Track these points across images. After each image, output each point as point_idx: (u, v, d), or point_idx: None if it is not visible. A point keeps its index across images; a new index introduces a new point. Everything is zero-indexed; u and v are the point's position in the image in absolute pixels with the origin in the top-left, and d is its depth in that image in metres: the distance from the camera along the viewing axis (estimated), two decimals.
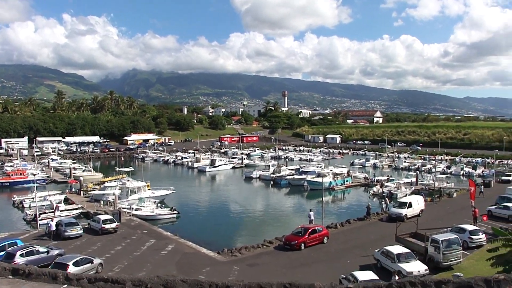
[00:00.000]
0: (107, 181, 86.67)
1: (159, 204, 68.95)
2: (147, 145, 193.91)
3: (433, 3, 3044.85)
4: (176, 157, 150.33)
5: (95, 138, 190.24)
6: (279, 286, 8.04)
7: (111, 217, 52.52)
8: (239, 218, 69.08)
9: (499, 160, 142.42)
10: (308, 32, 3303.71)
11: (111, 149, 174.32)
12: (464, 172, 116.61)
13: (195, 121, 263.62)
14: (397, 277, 33.27)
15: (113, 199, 66.25)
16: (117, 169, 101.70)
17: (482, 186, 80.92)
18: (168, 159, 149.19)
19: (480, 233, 46.20)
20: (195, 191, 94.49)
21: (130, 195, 70.96)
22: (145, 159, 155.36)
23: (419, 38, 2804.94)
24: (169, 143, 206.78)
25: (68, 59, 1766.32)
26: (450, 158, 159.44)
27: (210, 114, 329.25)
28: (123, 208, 62.76)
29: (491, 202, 67.01)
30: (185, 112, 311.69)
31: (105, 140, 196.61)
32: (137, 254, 42.49)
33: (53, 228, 48.00)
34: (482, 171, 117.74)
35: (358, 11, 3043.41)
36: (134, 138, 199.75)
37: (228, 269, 38.46)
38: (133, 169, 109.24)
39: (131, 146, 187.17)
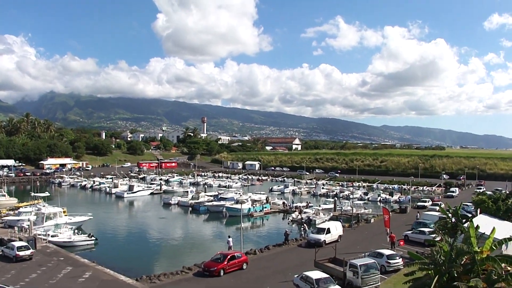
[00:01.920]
0: (22, 207, 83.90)
1: (76, 231, 67.27)
2: (64, 169, 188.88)
3: (352, 34, 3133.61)
4: (94, 182, 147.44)
5: (10, 162, 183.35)
6: None
7: (26, 243, 50.96)
8: (158, 244, 68.67)
9: (415, 187, 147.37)
10: (228, 59, 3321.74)
11: (27, 173, 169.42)
12: (381, 198, 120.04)
13: (114, 146, 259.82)
14: None
15: (28, 225, 64.17)
16: (33, 194, 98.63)
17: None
18: (85, 184, 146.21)
19: (397, 258, 47.78)
20: (113, 217, 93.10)
21: (45, 221, 68.88)
22: (62, 184, 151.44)
23: (338, 68, 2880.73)
24: (86, 168, 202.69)
25: None
26: (368, 184, 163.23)
27: (129, 139, 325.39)
28: (39, 235, 61.02)
29: (407, 228, 69.56)
30: (104, 137, 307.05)
31: (20, 164, 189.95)
32: (53, 282, 41.43)
33: None
34: (399, 197, 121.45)
35: (279, 39, 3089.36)
36: (50, 162, 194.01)
37: None
38: (49, 194, 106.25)
39: (47, 171, 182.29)
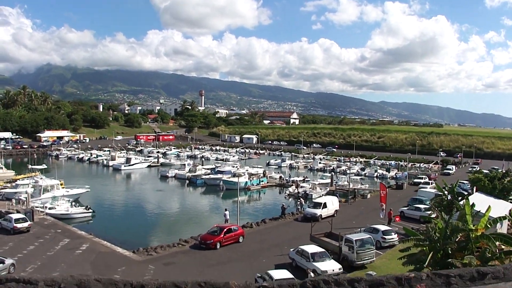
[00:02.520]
0: (19, 179, 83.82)
1: (73, 203, 67.53)
2: (61, 142, 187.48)
3: (352, 8, 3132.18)
4: (91, 155, 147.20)
5: (7, 134, 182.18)
6: (194, 285, 8.44)
7: (23, 216, 51.10)
8: (155, 217, 68.98)
9: (412, 163, 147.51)
10: (227, 32, 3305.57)
11: (24, 146, 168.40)
12: (378, 174, 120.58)
13: (111, 119, 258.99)
14: (312, 274, 34.50)
15: (26, 198, 64.36)
16: (30, 166, 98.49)
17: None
18: (82, 157, 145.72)
19: (393, 233, 48.13)
20: (110, 190, 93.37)
21: (43, 194, 69.13)
22: (59, 156, 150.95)
23: (337, 42, 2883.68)
24: (84, 141, 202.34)
25: None
26: (365, 160, 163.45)
27: (126, 111, 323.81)
28: (36, 207, 61.15)
29: (403, 204, 69.86)
30: (101, 109, 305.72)
31: (17, 136, 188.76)
32: (50, 254, 41.75)
33: None
34: (396, 173, 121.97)
35: (278, 13, 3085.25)
36: (48, 135, 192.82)
37: (144, 268, 38.56)
38: (46, 166, 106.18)
39: (44, 143, 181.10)
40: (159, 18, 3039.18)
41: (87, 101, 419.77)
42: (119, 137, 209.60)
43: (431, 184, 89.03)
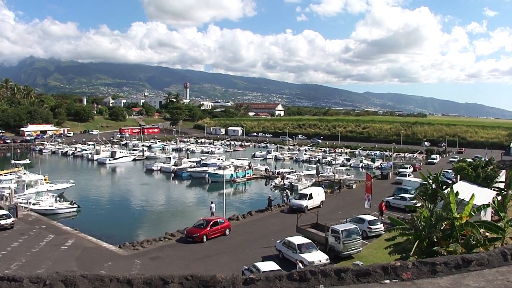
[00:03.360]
0: (2, 174, 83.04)
1: (58, 198, 67.17)
2: (45, 136, 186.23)
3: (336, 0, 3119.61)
4: (76, 149, 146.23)
5: None
6: (181, 278, 8.40)
7: (6, 212, 50.72)
8: (141, 211, 68.69)
9: (397, 153, 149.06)
10: (211, 23, 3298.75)
11: (7, 141, 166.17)
12: (363, 165, 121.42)
13: (95, 112, 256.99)
14: (301, 265, 34.57)
15: (9, 193, 63.94)
16: (13, 161, 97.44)
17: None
18: (67, 151, 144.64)
19: (378, 223, 48.56)
20: (95, 184, 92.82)
21: (26, 189, 68.48)
22: (43, 151, 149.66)
23: (321, 34, 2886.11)
24: (68, 135, 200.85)
25: None
26: (350, 151, 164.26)
27: (111, 105, 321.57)
28: (20, 203, 60.59)
29: (389, 193, 70.30)
30: (85, 103, 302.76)
31: (0, 131, 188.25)
32: (35, 251, 41.44)
33: None
34: (381, 163, 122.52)
35: (263, 4, 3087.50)
36: (31, 129, 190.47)
37: (130, 263, 38.49)
38: (30, 161, 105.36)
39: (28, 138, 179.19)
40: (143, 10, 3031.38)
41: (71, 95, 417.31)
42: (96, 131, 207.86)
43: (409, 174, 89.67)
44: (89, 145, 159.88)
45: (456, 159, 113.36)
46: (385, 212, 56.71)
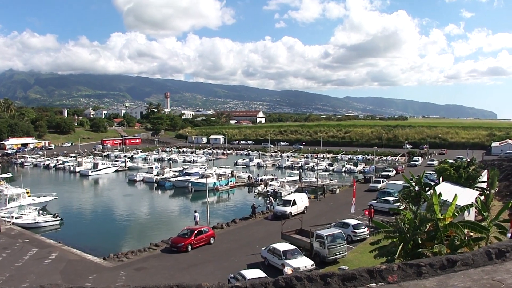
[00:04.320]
0: None
1: (40, 211, 66.54)
2: (26, 149, 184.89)
3: (315, 5, 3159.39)
4: (57, 162, 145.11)
5: None
6: None
7: None
8: (124, 222, 68.30)
9: (379, 157, 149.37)
10: (190, 32, 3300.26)
11: None
12: (346, 169, 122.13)
13: (76, 124, 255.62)
14: (286, 270, 34.59)
15: None
16: None
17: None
18: (48, 164, 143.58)
19: (363, 227, 48.76)
20: (78, 196, 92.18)
21: (9, 203, 67.81)
22: (24, 164, 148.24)
23: (300, 40, 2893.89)
24: (49, 147, 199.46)
25: None
26: (332, 156, 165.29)
27: (92, 116, 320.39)
28: (2, 217, 59.99)
29: (372, 197, 70.57)
30: (66, 115, 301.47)
31: None
32: (19, 265, 40.97)
33: None
34: (363, 167, 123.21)
35: (241, 12, 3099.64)
36: (12, 143, 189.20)
37: (115, 274, 38.25)
38: (11, 175, 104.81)
39: (9, 151, 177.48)
40: (122, 21, 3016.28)
41: (52, 107, 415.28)
42: (67, 144, 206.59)
43: (383, 182, 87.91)
44: (71, 157, 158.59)
45: (434, 162, 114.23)
46: (368, 216, 56.93)
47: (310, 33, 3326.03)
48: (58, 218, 63.03)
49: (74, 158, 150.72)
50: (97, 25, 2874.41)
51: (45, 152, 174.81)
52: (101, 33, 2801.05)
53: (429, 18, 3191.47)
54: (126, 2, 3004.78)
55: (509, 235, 30.14)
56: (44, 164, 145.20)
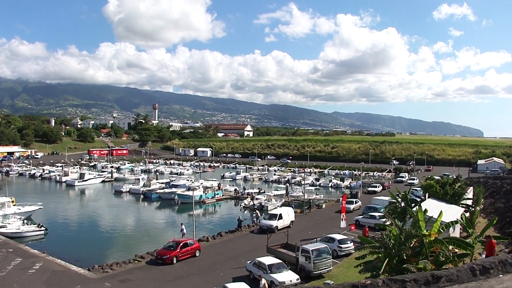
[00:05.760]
0: None
1: (25, 221, 66.13)
2: (12, 158, 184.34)
3: (305, 21, 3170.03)
4: (44, 171, 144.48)
5: None
6: None
7: None
8: (110, 233, 67.91)
9: (366, 172, 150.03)
10: (180, 44, 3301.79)
11: None
12: (333, 184, 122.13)
13: (63, 133, 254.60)
14: (263, 281, 34.57)
15: None
16: None
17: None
18: (34, 173, 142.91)
19: (349, 242, 48.85)
20: (63, 206, 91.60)
21: None
22: (10, 173, 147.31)
23: (290, 54, 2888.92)
24: (35, 156, 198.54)
25: None
26: (319, 170, 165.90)
27: (79, 126, 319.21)
28: None
29: (358, 212, 70.79)
30: (53, 124, 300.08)
31: None
32: (2, 275, 40.52)
33: None
34: (350, 182, 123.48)
35: (232, 25, 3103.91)
36: None
37: (100, 286, 38.02)
38: None
39: None
40: (112, 31, 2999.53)
41: (39, 116, 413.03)
42: (40, 154, 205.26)
43: (356, 203, 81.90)
44: (58, 166, 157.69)
45: (415, 181, 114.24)
46: (354, 231, 57.06)
47: (300, 47, 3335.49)
48: (43, 228, 62.61)
49: (61, 168, 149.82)
50: (86, 35, 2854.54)
51: (31, 161, 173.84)
52: (90, 43, 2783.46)
53: (418, 35, 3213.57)
54: (117, 13, 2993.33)
55: (483, 256, 30.29)
56: (30, 173, 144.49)
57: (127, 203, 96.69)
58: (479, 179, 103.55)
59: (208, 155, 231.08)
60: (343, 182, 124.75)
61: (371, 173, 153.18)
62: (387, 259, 26.95)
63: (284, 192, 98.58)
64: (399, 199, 54.40)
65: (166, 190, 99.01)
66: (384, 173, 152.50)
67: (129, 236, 66.14)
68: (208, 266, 44.69)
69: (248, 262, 41.64)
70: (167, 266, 44.18)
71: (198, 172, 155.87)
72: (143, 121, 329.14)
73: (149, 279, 40.56)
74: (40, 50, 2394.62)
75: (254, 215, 70.30)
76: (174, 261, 45.12)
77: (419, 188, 77.13)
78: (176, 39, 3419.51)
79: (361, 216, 66.81)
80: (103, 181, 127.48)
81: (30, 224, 64.90)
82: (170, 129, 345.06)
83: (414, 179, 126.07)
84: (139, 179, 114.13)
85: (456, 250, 28.98)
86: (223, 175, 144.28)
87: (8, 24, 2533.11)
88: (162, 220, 79.46)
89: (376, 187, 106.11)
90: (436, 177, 74.89)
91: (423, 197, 62.09)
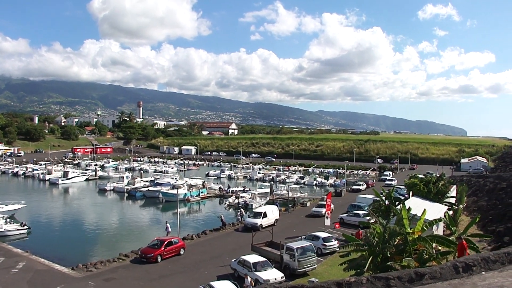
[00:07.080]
0: None
1: (8, 220, 65.48)
2: None
3: (291, 19, 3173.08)
4: (27, 169, 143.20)
5: None
6: None
7: None
8: (94, 232, 67.51)
9: (350, 170, 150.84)
10: (165, 42, 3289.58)
11: None
12: (317, 182, 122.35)
13: (47, 131, 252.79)
14: (249, 279, 34.62)
15: None
16: None
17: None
18: (17, 171, 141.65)
19: (333, 240, 48.95)
20: (47, 205, 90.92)
21: None
22: None
23: (275, 53, 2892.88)
24: (18, 154, 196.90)
25: None
26: (304, 169, 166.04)
27: (63, 124, 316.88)
28: None
29: (342, 210, 70.92)
30: (36, 121, 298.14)
31: None
32: None
33: None
34: (334, 181, 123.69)
35: (217, 23, 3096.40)
36: None
37: (84, 285, 37.85)
38: None
39: None
40: (97, 28, 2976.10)
41: (22, 113, 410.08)
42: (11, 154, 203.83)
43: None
44: (41, 164, 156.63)
45: (393, 182, 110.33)
46: (338, 229, 57.24)
47: (285, 46, 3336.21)
48: (26, 227, 62.23)
49: (44, 166, 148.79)
50: (71, 31, 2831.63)
51: (14, 159, 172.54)
52: (74, 40, 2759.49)
53: (403, 35, 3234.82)
54: (102, 9, 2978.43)
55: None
56: (13, 171, 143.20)
57: (111, 202, 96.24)
58: (462, 178, 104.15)
59: (193, 153, 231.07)
60: (328, 180, 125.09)
61: (355, 172, 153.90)
62: (371, 257, 27.03)
63: (268, 190, 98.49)
64: (383, 197, 54.64)
65: (151, 188, 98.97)
66: (368, 171, 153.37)
67: (113, 234, 65.83)
68: (193, 264, 44.63)
69: (233, 260, 41.67)
70: (152, 265, 44.09)
71: (182, 170, 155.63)
72: (128, 119, 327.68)
73: (134, 277, 40.43)
74: (23, 46, 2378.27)
75: (239, 213, 70.36)
76: (159, 260, 45.05)
77: (403, 187, 77.53)
78: (161, 37, 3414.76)
79: (345, 214, 67.03)
80: (87, 179, 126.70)
81: (13, 223, 64.28)
82: (155, 127, 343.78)
83: (392, 180, 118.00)
84: (123, 177, 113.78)
85: (440, 248, 29.12)
86: (208, 173, 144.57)
87: None
88: (146, 218, 79.26)
89: (360, 185, 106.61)
90: (420, 176, 75.26)
91: (407, 195, 62.38)
